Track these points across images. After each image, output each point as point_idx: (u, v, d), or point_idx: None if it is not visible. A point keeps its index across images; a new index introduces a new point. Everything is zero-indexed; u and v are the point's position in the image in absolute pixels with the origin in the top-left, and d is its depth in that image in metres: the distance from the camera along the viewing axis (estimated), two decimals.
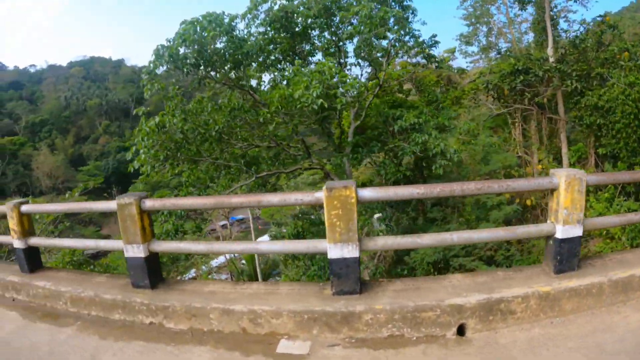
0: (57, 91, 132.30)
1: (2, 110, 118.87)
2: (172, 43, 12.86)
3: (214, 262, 34.67)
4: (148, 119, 13.32)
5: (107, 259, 22.85)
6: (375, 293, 4.60)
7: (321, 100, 11.55)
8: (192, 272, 29.14)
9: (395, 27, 16.05)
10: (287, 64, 16.97)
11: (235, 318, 4.53)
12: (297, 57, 16.71)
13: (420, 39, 17.68)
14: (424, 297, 4.35)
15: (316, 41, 17.64)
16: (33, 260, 6.65)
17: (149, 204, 5.14)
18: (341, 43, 17.49)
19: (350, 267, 4.53)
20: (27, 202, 6.57)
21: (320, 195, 4.49)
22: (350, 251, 4.48)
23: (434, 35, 18.81)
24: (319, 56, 17.80)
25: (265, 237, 34.77)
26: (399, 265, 17.41)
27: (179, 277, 25.33)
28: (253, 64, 15.34)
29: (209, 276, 30.06)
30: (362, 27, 14.29)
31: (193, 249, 5.92)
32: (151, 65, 13.29)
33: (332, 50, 17.47)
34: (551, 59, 21.23)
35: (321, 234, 17.99)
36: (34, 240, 6.61)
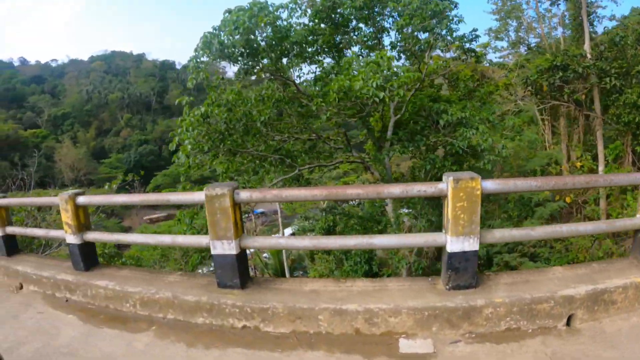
0: (79, 85, 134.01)
1: (25, 104, 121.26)
2: (218, 31, 12.55)
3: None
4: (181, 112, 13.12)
5: (131, 251, 22.79)
6: (488, 287, 4.48)
7: (383, 93, 11.27)
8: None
9: (442, 20, 15.71)
10: (323, 55, 16.69)
11: (349, 318, 4.24)
12: (334, 50, 16.46)
13: (459, 33, 17.35)
14: (537, 290, 4.29)
15: (352, 34, 17.35)
16: (89, 258, 6.25)
17: (244, 195, 4.73)
18: (379, 35, 17.20)
19: (470, 261, 4.39)
20: (82, 193, 6.14)
21: (444, 186, 4.30)
22: (471, 244, 4.33)
23: (475, 30, 18.48)
24: (354, 49, 17.48)
25: (288, 231, 34.46)
26: (439, 262, 17.13)
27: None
28: (294, 55, 15.05)
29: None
30: (412, 19, 13.96)
31: (296, 245, 5.44)
32: (200, 52, 12.86)
33: (370, 42, 17.20)
34: (588, 56, 20.90)
35: (356, 228, 17.85)
36: (92, 236, 6.15)
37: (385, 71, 11.49)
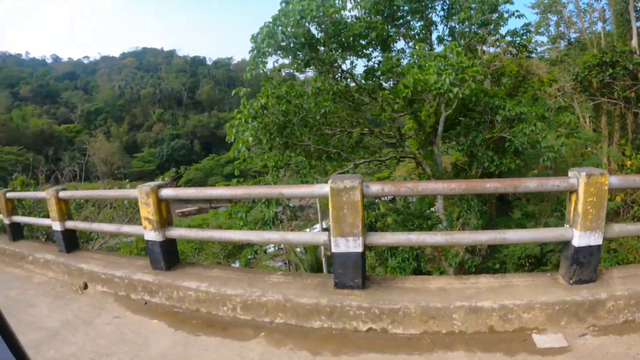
0: (111, 81, 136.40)
1: (59, 100, 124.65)
2: (277, 21, 12.32)
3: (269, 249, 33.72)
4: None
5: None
6: (606, 280, 4.44)
7: (457, 88, 11.15)
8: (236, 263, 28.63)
9: (500, 15, 15.54)
10: (370, 49, 16.55)
11: (483, 316, 4.07)
12: (383, 43, 16.33)
13: (509, 28, 17.17)
14: None
15: (401, 27, 17.22)
16: (171, 256, 5.87)
17: (374, 188, 4.42)
18: (428, 29, 17.10)
19: (594, 255, 4.34)
20: (166, 185, 5.76)
21: (574, 181, 4.24)
22: (596, 239, 4.28)
23: (527, 24, 18.27)
24: (399, 43, 17.37)
25: (317, 227, 34.09)
26: (490, 259, 16.93)
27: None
28: (351, 47, 14.89)
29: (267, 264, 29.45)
30: (472, 12, 13.83)
31: (428, 241, 4.96)
32: (263, 43, 12.54)
33: (419, 36, 17.11)
34: (637, 52, 20.49)
35: (402, 224, 17.69)
36: (177, 232, 5.78)
37: (455, 66, 11.37)
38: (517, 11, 15.67)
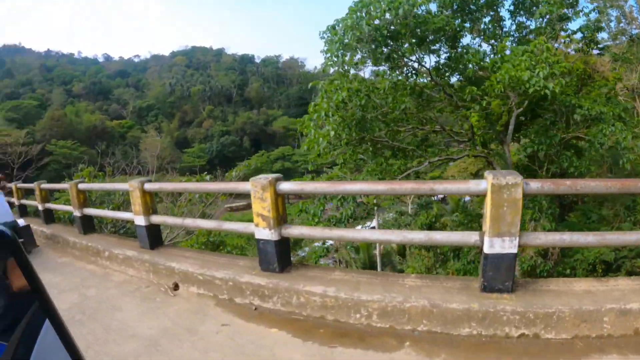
0: (161, 78, 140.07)
1: (111, 97, 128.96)
2: (360, 14, 11.91)
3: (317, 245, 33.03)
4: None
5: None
6: None
7: (552, 84, 10.73)
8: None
9: (576, 11, 15.01)
10: (438, 44, 16.11)
11: (631, 318, 3.83)
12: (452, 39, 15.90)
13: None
14: None
15: (468, 23, 16.76)
16: (284, 257, 5.40)
17: (534, 186, 4.15)
18: (496, 24, 16.63)
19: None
20: (281, 179, 5.31)
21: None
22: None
23: (598, 20, 17.57)
24: (466, 39, 16.92)
25: (373, 224, 33.53)
26: (560, 264, 16.36)
27: None
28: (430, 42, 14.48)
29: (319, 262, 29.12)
30: (552, 8, 13.34)
31: (581, 241, 4.47)
32: (347, 36, 12.09)
33: (489, 31, 16.65)
34: None
35: (471, 224, 17.26)
36: (296, 231, 5.33)
37: (545, 61, 10.96)
38: (595, 7, 15.13)
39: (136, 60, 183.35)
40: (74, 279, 7.07)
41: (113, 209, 12.88)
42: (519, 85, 11.42)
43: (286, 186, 5.19)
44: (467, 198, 27.12)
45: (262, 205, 5.16)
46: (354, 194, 5.37)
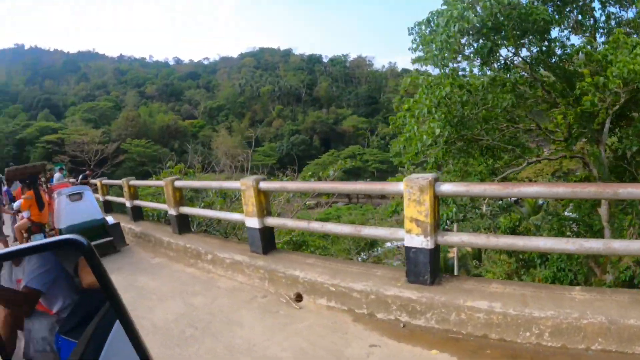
0: (231, 79, 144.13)
1: (182, 97, 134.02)
2: (463, 4, 11.25)
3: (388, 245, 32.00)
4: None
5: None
6: None
7: None
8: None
9: None
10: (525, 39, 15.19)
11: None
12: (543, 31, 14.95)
13: None
14: None
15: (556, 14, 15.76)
16: (436, 266, 4.85)
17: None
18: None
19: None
20: (440, 178, 4.82)
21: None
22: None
23: None
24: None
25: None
26: None
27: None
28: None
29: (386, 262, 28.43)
30: None
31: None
32: (454, 27, 11.21)
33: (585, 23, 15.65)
34: None
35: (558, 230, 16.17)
36: (454, 238, 4.91)
37: None
38: None
39: (205, 62, 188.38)
40: (173, 284, 6.80)
41: (204, 207, 12.75)
42: (636, 80, 10.41)
43: (447, 188, 4.68)
44: (542, 201, 25.96)
45: (418, 209, 4.59)
46: (529, 196, 4.65)
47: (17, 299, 1.66)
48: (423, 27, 12.41)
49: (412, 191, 4.57)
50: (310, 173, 15.15)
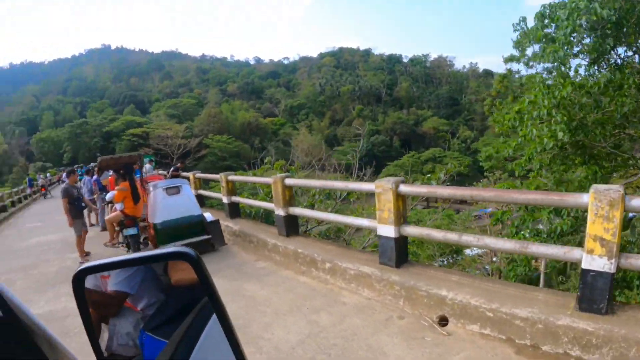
0: (311, 79, 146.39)
1: (263, 96, 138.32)
2: None
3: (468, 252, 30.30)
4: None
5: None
6: None
7: None
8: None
9: None
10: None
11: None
12: None
13: None
14: None
15: None
16: (612, 294, 4.07)
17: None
18: None
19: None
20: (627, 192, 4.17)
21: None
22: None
23: None
24: None
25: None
26: None
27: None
28: None
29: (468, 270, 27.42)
30: None
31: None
32: (580, 20, 10.27)
33: None
34: None
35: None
36: (636, 262, 3.97)
37: None
38: None
39: (285, 62, 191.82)
40: (288, 295, 6.12)
41: (307, 206, 12.21)
42: None
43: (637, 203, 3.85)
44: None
45: (605, 225, 3.89)
46: None
47: (106, 302, 1.75)
48: (536, 21, 11.69)
49: (601, 205, 3.91)
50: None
